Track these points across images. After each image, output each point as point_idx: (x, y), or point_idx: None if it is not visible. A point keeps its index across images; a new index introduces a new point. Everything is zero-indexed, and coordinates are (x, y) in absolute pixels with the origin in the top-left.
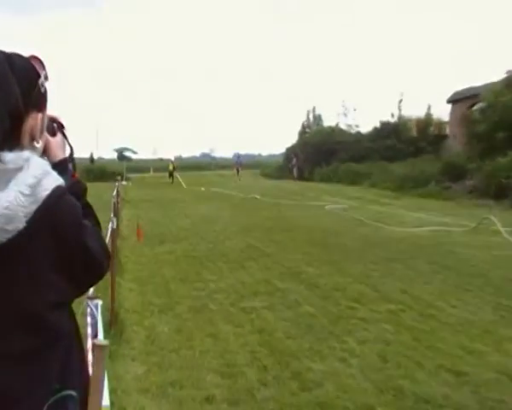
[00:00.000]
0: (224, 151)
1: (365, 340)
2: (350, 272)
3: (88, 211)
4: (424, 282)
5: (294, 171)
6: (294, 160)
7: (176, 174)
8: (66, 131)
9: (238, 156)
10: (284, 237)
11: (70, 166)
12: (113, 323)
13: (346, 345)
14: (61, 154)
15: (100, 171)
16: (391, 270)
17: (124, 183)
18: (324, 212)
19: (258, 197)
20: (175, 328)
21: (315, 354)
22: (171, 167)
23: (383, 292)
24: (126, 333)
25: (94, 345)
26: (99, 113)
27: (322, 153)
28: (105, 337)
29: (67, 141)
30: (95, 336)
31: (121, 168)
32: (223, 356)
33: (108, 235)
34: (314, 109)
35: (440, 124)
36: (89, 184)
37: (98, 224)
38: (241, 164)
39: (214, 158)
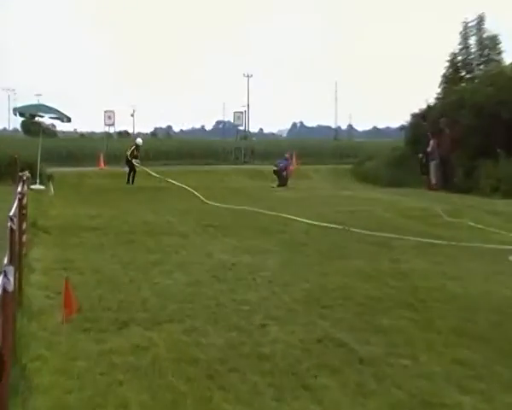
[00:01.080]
0: (270, 120)
1: None
2: None
3: None
4: None
5: (432, 168)
6: (432, 142)
7: (139, 165)
8: None
9: (286, 159)
10: (402, 322)
11: None
12: None
13: None
14: None
15: None
16: None
17: (37, 187)
18: (503, 266)
19: (347, 229)
20: None
21: None
22: (128, 153)
23: None
24: None
25: None
26: None
27: (499, 125)
28: None
29: None
30: None
31: (32, 153)
32: None
33: None
34: (480, 23)
35: None
36: None
37: None
38: (285, 166)
39: (246, 134)
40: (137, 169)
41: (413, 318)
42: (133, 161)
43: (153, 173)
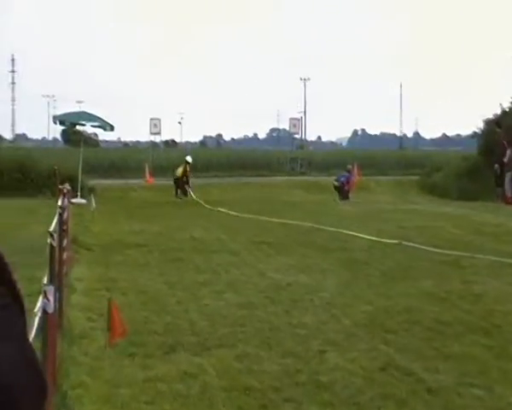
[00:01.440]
0: (328, 128)
1: None
2: None
3: None
4: None
5: (507, 179)
6: (509, 152)
7: (188, 189)
8: None
9: (349, 170)
10: (475, 349)
11: None
12: None
13: None
14: None
15: (16, 166)
16: None
17: (78, 200)
18: None
19: (412, 245)
20: None
21: None
22: (179, 172)
23: None
24: None
25: None
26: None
27: None
28: None
29: None
30: None
31: (73, 164)
32: None
33: (34, 330)
34: None
35: None
36: None
37: (19, 305)
38: (347, 180)
39: (303, 143)
40: (188, 190)
41: (487, 344)
42: (188, 188)
43: (204, 204)
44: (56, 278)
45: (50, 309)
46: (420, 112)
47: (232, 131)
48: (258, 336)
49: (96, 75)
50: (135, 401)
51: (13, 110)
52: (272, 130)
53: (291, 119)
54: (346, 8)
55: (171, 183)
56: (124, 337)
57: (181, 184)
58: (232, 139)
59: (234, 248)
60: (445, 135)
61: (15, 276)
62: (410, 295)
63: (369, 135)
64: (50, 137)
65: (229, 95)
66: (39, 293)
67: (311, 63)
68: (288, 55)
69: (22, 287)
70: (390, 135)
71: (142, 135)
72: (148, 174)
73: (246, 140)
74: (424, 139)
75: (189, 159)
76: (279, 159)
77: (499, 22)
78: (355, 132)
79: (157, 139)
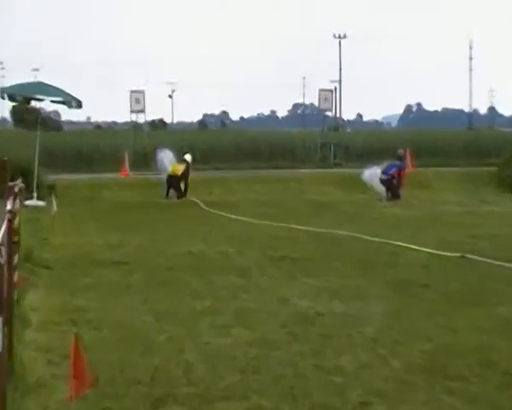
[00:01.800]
0: (372, 102)
1: None
2: None
3: None
4: None
5: None
6: None
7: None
8: None
9: (400, 158)
10: None
11: None
12: None
13: None
14: None
15: None
16: None
17: (34, 203)
18: None
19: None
20: None
21: None
22: (178, 169)
23: None
24: None
25: None
26: None
27: None
28: None
29: None
30: None
31: (27, 153)
32: None
33: None
34: None
35: None
36: None
37: None
38: (398, 171)
39: (338, 123)
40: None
41: None
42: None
43: (203, 206)
44: (4, 307)
45: None
46: (496, 81)
47: (241, 107)
48: (277, 384)
49: (56, 35)
50: None
51: None
52: (296, 106)
53: (321, 90)
54: None
55: (156, 176)
56: (92, 387)
57: (175, 181)
58: (241, 118)
59: (244, 266)
60: None
61: None
62: (483, 328)
63: (428, 111)
64: None
65: (237, 59)
66: None
67: (347, 16)
68: (318, 5)
69: None
70: (456, 111)
71: (121, 114)
72: (127, 165)
73: (260, 119)
74: (502, 117)
75: (188, 158)
76: (305, 144)
77: None
78: (408, 108)
79: (140, 119)
